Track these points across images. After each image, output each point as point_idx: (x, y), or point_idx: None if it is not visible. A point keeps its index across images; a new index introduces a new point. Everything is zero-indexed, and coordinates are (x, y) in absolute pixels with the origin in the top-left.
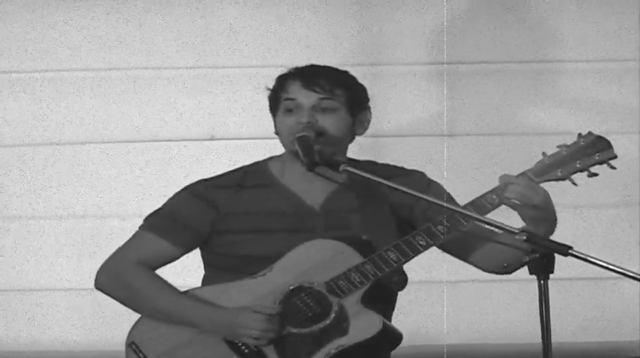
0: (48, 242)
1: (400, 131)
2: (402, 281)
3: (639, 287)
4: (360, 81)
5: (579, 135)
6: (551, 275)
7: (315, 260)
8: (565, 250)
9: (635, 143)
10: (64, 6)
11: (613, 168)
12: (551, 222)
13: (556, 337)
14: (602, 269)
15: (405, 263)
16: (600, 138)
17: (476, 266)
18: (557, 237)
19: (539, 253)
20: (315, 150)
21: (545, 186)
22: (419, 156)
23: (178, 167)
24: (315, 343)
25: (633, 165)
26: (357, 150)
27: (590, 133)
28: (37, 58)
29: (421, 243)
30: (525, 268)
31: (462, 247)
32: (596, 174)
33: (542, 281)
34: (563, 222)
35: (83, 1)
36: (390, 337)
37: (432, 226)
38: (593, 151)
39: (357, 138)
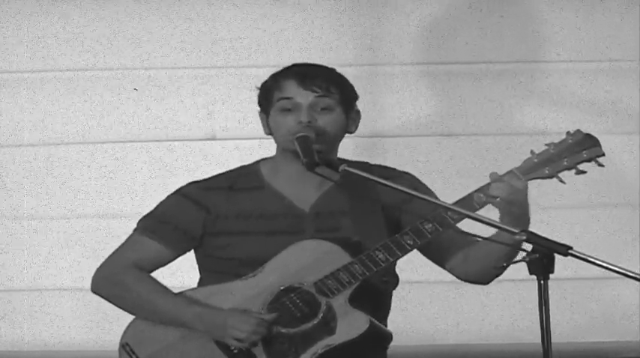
0: (48, 242)
1: (399, 131)
2: (392, 280)
3: (639, 287)
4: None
5: (568, 133)
6: (551, 275)
7: (306, 260)
8: (565, 250)
9: (635, 143)
10: (63, 6)
11: (601, 165)
12: (526, 220)
13: (556, 337)
14: (602, 269)
15: (393, 262)
16: (588, 135)
17: (453, 273)
18: (557, 237)
19: (539, 253)
20: (314, 150)
21: (544, 185)
22: (418, 156)
23: (179, 167)
24: (303, 343)
25: (633, 165)
26: (357, 150)
27: (578, 131)
28: (37, 58)
29: (409, 242)
30: (525, 268)
31: (438, 252)
32: (584, 172)
33: (542, 282)
34: (563, 222)
35: (83, 1)
36: (378, 336)
37: (419, 225)
38: (580, 149)
39: (358, 139)
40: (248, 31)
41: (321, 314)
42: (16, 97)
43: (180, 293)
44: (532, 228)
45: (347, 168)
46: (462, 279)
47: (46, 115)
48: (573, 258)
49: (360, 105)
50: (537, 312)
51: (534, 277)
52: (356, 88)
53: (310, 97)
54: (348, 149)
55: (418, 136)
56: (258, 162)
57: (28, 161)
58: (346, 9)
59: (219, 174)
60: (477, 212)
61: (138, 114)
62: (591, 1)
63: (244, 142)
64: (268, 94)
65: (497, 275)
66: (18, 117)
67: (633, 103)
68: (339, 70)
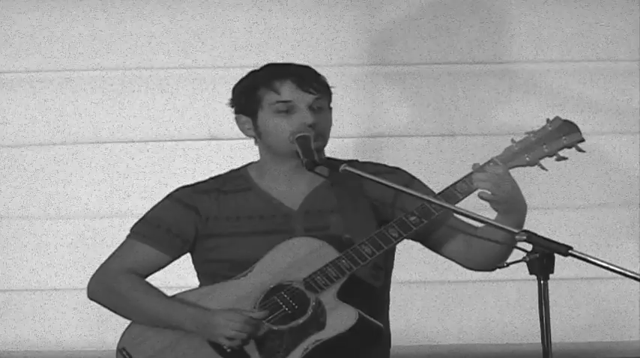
0: (48, 242)
1: (399, 131)
2: (380, 274)
3: (639, 287)
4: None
5: (547, 120)
6: (551, 275)
7: (295, 257)
8: (565, 250)
9: (635, 143)
10: (64, 6)
11: (581, 150)
12: (521, 211)
13: (556, 337)
14: (602, 269)
15: (378, 255)
16: (567, 121)
17: (454, 259)
18: (556, 237)
19: (539, 253)
20: (314, 150)
21: (544, 185)
22: (417, 156)
23: (179, 167)
24: (294, 339)
25: (633, 165)
26: (357, 150)
27: (557, 118)
28: (37, 57)
29: (394, 234)
30: (525, 268)
31: (433, 240)
32: (564, 158)
33: (542, 282)
34: (563, 222)
35: (83, 1)
36: (370, 330)
37: (403, 218)
38: (560, 135)
39: (358, 139)
40: (247, 30)
41: (311, 310)
42: (18, 97)
43: (174, 296)
44: (532, 229)
45: (347, 167)
46: (465, 267)
47: (47, 115)
48: (573, 258)
49: (360, 105)
50: (537, 312)
51: (534, 277)
52: (356, 88)
53: (308, 99)
54: (348, 149)
55: (418, 136)
56: (245, 166)
57: (29, 161)
58: (346, 9)
59: (209, 178)
60: (479, 212)
61: (138, 114)
62: (592, 0)
63: (244, 142)
64: (254, 95)
65: (499, 263)
66: (19, 118)
67: (633, 103)
68: (339, 70)
